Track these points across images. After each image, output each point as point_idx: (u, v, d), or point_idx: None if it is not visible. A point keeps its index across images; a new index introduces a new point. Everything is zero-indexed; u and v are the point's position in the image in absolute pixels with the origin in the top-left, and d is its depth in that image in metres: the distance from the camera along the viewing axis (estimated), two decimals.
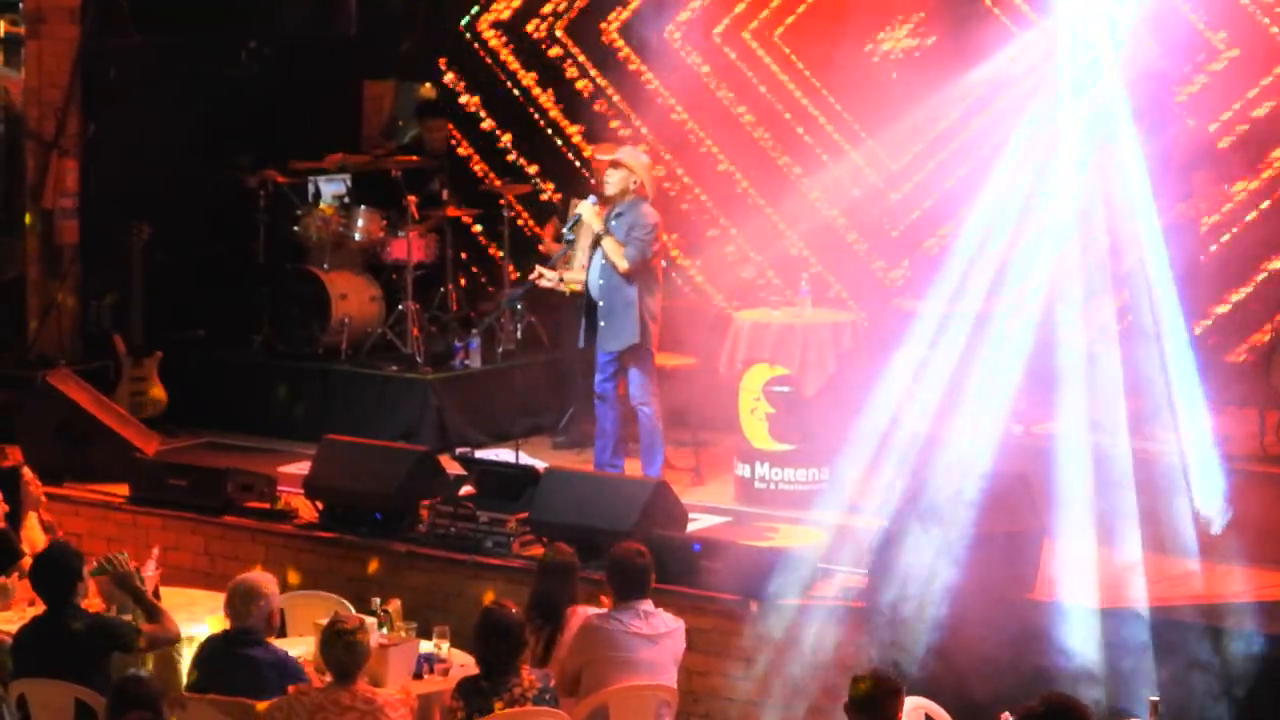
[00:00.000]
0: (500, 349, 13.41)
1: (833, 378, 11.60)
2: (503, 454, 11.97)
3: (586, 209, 11.51)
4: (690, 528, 10.80)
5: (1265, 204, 12.34)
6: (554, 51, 14.41)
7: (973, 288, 11.26)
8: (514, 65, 14.54)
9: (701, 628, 9.83)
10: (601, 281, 11.47)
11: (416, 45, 14.98)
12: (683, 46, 13.94)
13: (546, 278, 12.16)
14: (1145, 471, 10.51)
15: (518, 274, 13.72)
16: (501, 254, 13.75)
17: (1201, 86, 12.40)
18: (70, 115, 14.05)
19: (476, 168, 14.62)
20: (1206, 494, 10.40)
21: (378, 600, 9.32)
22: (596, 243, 11.48)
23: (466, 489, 11.27)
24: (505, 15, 14.54)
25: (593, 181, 12.99)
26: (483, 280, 14.63)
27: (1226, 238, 12.36)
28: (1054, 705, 6.89)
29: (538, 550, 10.05)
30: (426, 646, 8.94)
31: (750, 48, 13.82)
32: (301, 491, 11.46)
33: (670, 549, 10.08)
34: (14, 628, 9.00)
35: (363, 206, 13.81)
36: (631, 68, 14.13)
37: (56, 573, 8.77)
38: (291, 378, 13.57)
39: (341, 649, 7.92)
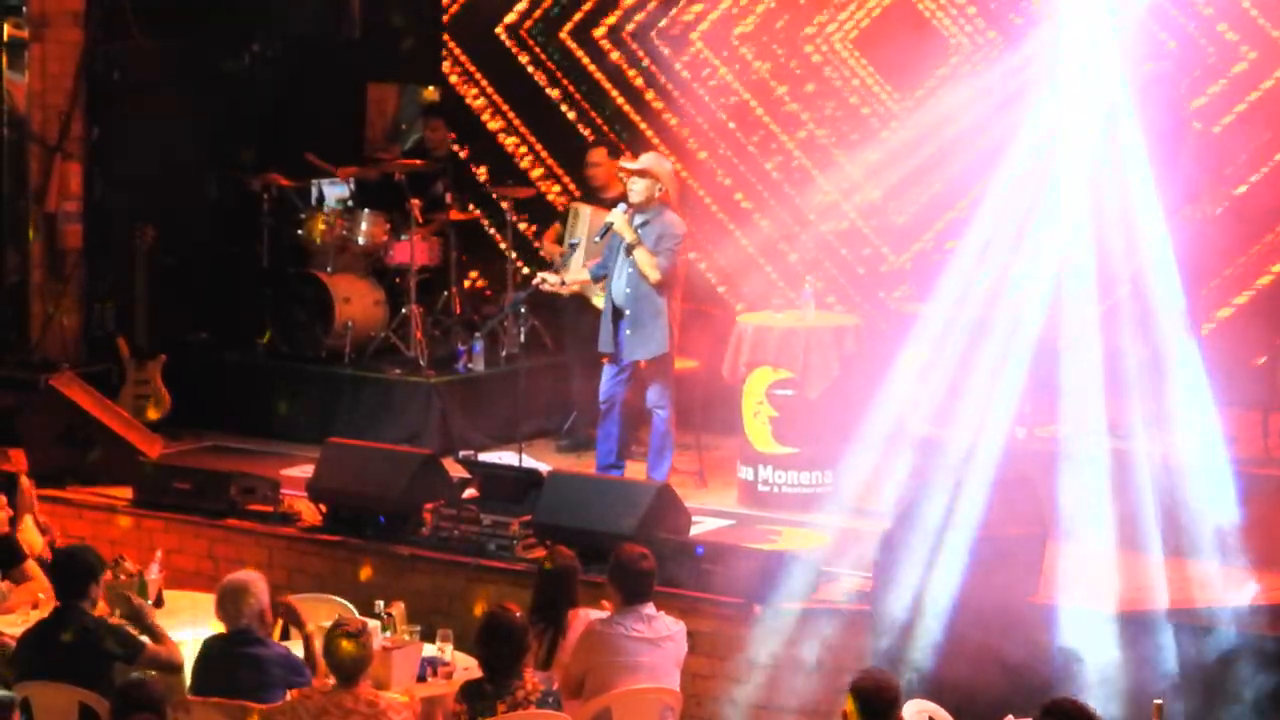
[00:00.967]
0: (504, 352, 13.40)
1: (836, 381, 11.60)
2: (506, 457, 11.98)
3: (617, 217, 11.42)
4: (693, 531, 10.80)
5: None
6: (558, 54, 14.41)
7: (976, 290, 11.25)
8: (517, 68, 14.53)
9: (704, 631, 9.82)
10: (629, 290, 11.39)
11: (420, 47, 14.97)
12: (683, 47, 13.94)
13: (549, 282, 12.15)
14: (1150, 474, 10.51)
15: (520, 277, 13.73)
16: (505, 257, 13.74)
17: (1208, 89, 12.39)
18: (74, 119, 14.06)
19: (480, 171, 14.62)
20: (1214, 496, 10.39)
21: (381, 603, 9.32)
22: (628, 252, 11.36)
23: (470, 492, 11.27)
24: (511, 18, 14.53)
25: (595, 184, 13.00)
26: (486, 283, 14.62)
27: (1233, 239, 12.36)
28: (1061, 710, 6.88)
29: (541, 553, 10.04)
30: (430, 650, 8.94)
31: (747, 50, 13.82)
32: (305, 494, 11.46)
33: (673, 552, 10.08)
34: (16, 630, 9.01)
35: (366, 210, 13.81)
36: (633, 71, 14.13)
37: (75, 569, 8.76)
38: (295, 381, 13.57)
39: (345, 652, 7.92)
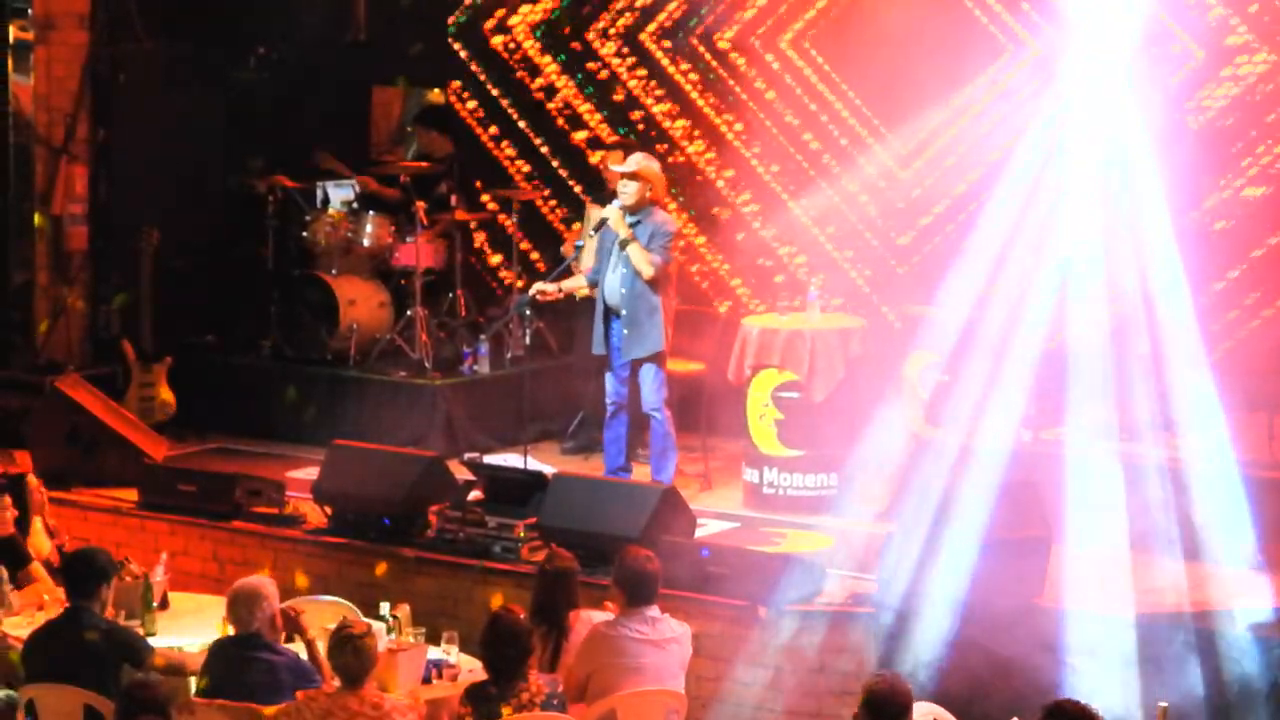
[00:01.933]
0: (509, 354, 13.39)
1: (841, 383, 11.59)
2: (511, 459, 11.98)
3: (613, 213, 11.43)
4: (699, 533, 10.80)
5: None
6: (562, 56, 14.40)
7: (982, 294, 11.25)
8: (523, 70, 14.53)
9: (709, 633, 9.82)
10: (624, 290, 11.38)
11: (426, 51, 14.97)
12: (683, 49, 13.94)
13: (547, 293, 12.07)
14: (1153, 476, 10.50)
15: (525, 280, 13.71)
16: (513, 258, 13.73)
17: (1215, 91, 12.38)
18: (79, 121, 14.07)
19: (485, 173, 14.60)
20: (1222, 499, 10.39)
21: (386, 605, 9.33)
22: (622, 247, 11.35)
23: (475, 494, 11.26)
24: (514, 20, 14.53)
25: (610, 187, 12.99)
26: (491, 285, 14.62)
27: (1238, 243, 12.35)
28: (1063, 711, 6.88)
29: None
30: (435, 652, 8.94)
31: (731, 53, 13.82)
32: (310, 497, 11.45)
33: (678, 554, 10.07)
34: (23, 632, 9.01)
35: (371, 212, 13.81)
36: (635, 73, 14.12)
37: (86, 571, 8.76)
38: (300, 383, 13.57)
39: (350, 654, 7.92)
